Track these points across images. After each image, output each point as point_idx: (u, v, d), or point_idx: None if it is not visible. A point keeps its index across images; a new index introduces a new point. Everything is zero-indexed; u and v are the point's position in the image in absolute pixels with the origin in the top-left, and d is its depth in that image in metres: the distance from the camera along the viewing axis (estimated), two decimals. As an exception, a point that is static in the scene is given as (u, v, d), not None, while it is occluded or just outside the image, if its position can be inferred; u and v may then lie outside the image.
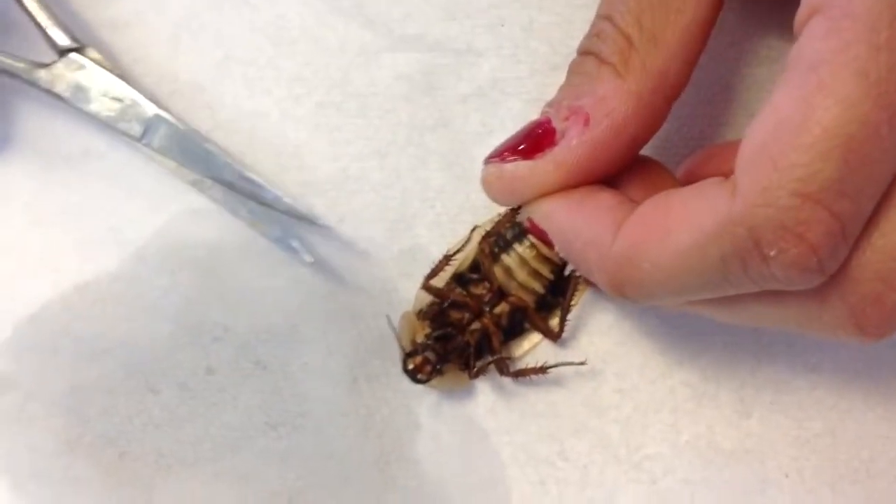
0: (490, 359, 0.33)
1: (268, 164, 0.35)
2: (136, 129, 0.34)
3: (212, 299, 0.35)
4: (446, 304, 0.33)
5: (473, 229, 0.34)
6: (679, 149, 0.34)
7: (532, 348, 0.34)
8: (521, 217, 0.30)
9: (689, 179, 0.27)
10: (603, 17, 0.28)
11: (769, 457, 0.33)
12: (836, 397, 0.33)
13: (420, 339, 0.33)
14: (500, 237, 0.32)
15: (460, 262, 0.34)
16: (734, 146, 0.24)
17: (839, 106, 0.22)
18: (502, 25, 0.34)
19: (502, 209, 0.32)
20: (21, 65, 0.34)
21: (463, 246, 0.34)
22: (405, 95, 0.35)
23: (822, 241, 0.22)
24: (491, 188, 0.29)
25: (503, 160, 0.28)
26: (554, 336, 0.33)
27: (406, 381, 0.34)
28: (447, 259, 0.33)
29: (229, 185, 0.34)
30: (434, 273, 0.33)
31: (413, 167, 0.35)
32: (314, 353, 0.35)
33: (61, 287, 0.35)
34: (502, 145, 0.29)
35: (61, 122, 0.36)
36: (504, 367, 0.33)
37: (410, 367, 0.33)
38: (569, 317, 0.33)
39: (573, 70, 0.29)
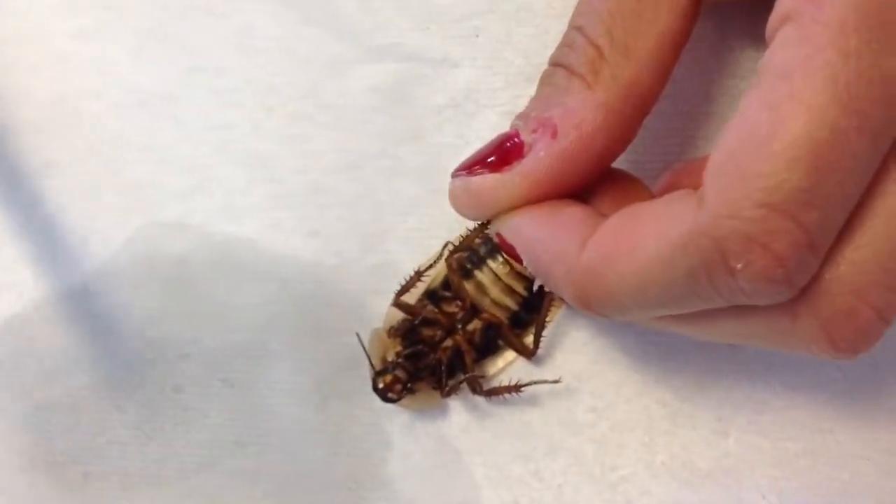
0: (462, 377, 0.32)
1: (238, 176, 0.35)
2: None
3: (178, 315, 0.35)
4: (417, 321, 0.32)
5: (446, 245, 0.33)
6: (657, 161, 0.33)
7: (506, 366, 0.33)
8: (490, 231, 0.30)
9: (666, 193, 0.27)
10: (574, 27, 0.27)
11: (746, 477, 0.32)
12: (815, 417, 0.32)
13: (391, 356, 0.32)
14: (474, 253, 0.32)
15: (433, 278, 0.33)
16: (703, 163, 0.24)
17: (808, 113, 0.21)
18: (478, 36, 0.34)
19: (472, 224, 0.31)
20: None
21: (435, 262, 0.33)
22: (378, 107, 0.34)
23: (789, 253, 0.22)
24: (458, 202, 0.29)
25: (471, 173, 0.28)
26: (528, 353, 0.33)
27: (377, 400, 0.33)
28: (419, 275, 0.32)
29: None
30: (405, 289, 0.32)
31: (386, 180, 0.34)
32: (283, 370, 0.34)
33: (24, 303, 0.35)
34: (470, 159, 0.28)
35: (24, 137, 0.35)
36: (477, 386, 0.32)
37: (381, 385, 0.32)
38: (544, 334, 0.32)
39: (543, 81, 0.28)
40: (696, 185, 0.24)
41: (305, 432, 0.34)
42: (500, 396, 0.32)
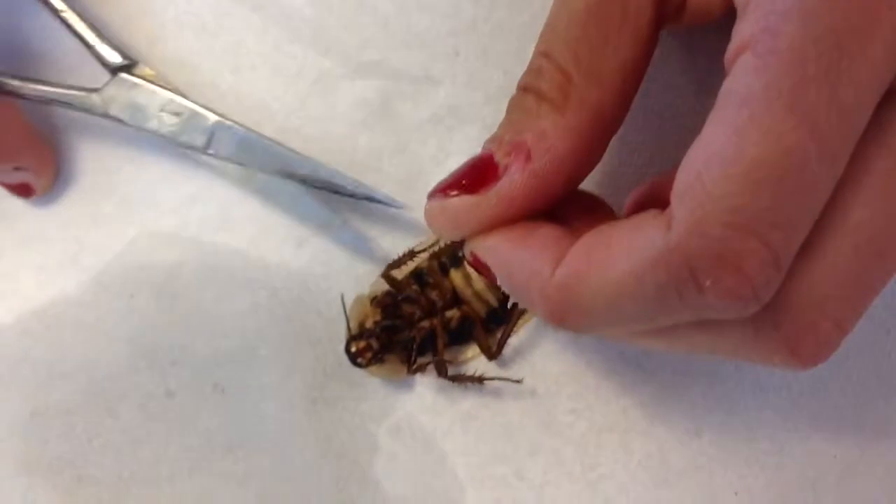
0: (431, 359, 0.34)
1: (229, 188, 0.36)
2: (199, 140, 0.34)
3: (170, 323, 0.36)
4: (401, 297, 0.34)
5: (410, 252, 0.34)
6: (628, 176, 0.34)
7: (474, 357, 0.34)
8: (465, 251, 0.31)
9: (635, 211, 0.27)
10: (541, 53, 0.28)
11: (718, 475, 0.34)
12: (784, 418, 0.34)
13: (369, 324, 0.34)
14: (455, 253, 0.33)
15: (423, 259, 0.34)
16: (672, 177, 0.25)
17: (769, 138, 0.22)
18: (458, 54, 0.35)
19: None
20: (74, 92, 0.34)
21: (430, 246, 0.34)
22: (363, 121, 0.35)
23: (756, 271, 0.23)
24: (435, 222, 0.29)
25: (446, 195, 0.28)
26: (491, 354, 0.34)
27: (365, 404, 0.35)
28: (412, 254, 0.34)
29: (302, 180, 0.34)
30: (396, 264, 0.34)
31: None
32: (273, 375, 0.35)
33: (20, 312, 0.36)
34: (445, 181, 0.29)
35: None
36: (443, 369, 0.34)
37: (353, 349, 0.33)
38: (509, 342, 0.34)
39: (513, 106, 0.29)
40: (663, 204, 0.25)
41: (294, 435, 0.35)
42: (463, 385, 0.34)
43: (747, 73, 0.23)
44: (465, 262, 0.33)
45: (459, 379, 0.34)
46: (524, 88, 0.28)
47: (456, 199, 0.28)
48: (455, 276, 0.33)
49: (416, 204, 0.35)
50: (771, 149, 0.22)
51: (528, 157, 0.27)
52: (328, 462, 0.35)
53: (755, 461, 0.34)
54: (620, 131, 0.29)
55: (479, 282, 0.33)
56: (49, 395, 0.36)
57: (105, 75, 0.34)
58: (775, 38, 0.22)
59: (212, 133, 0.34)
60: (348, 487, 0.35)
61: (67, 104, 0.34)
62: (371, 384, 0.34)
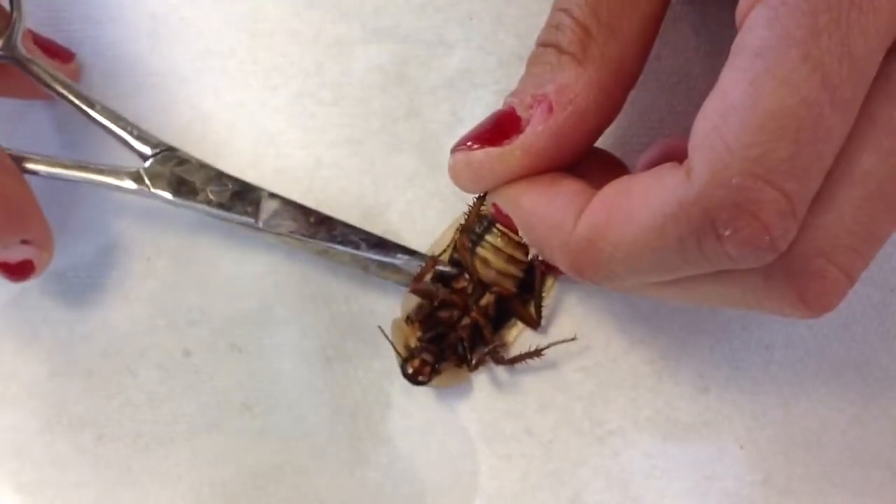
0: (486, 349, 0.34)
1: (246, 152, 0.36)
2: (250, 212, 0.34)
3: (188, 284, 0.36)
4: (435, 305, 0.34)
5: (458, 230, 0.35)
6: (640, 136, 0.35)
7: (520, 334, 0.35)
8: (488, 202, 0.31)
9: (647, 170, 0.28)
10: (560, 9, 0.28)
11: (725, 429, 0.34)
12: (789, 373, 0.34)
13: (413, 343, 0.34)
14: (472, 232, 0.34)
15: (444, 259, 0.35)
16: (686, 137, 0.25)
17: (785, 88, 0.22)
18: (471, 19, 0.36)
19: (468, 197, 0.33)
20: (122, 180, 0.34)
21: (448, 247, 0.35)
22: (378, 85, 0.36)
23: (774, 220, 0.23)
24: (459, 176, 0.30)
25: (470, 149, 0.29)
26: (534, 324, 0.34)
27: (378, 362, 0.35)
28: (434, 261, 0.34)
29: (354, 246, 0.34)
30: (422, 275, 0.34)
31: (386, 155, 0.36)
32: (288, 335, 0.36)
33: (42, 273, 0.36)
34: (468, 134, 0.29)
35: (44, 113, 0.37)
36: (498, 356, 0.34)
37: (410, 371, 0.34)
38: (543, 304, 0.34)
39: (533, 61, 0.29)
40: (677, 159, 0.26)
41: (310, 393, 0.36)
42: (524, 363, 0.34)
43: (760, 25, 0.23)
44: (478, 248, 0.33)
45: (518, 359, 0.34)
46: (544, 44, 0.29)
47: (479, 151, 0.29)
48: (475, 262, 0.34)
49: (428, 167, 0.36)
50: (787, 99, 0.22)
51: (550, 109, 0.28)
52: (342, 419, 0.35)
53: (761, 415, 0.34)
54: (631, 93, 0.29)
55: (497, 261, 0.33)
56: (69, 355, 0.36)
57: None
58: None
59: (260, 206, 0.34)
60: (362, 443, 0.35)
61: (115, 188, 0.34)
62: (385, 343, 0.35)
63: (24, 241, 0.33)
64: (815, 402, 0.34)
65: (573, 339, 0.34)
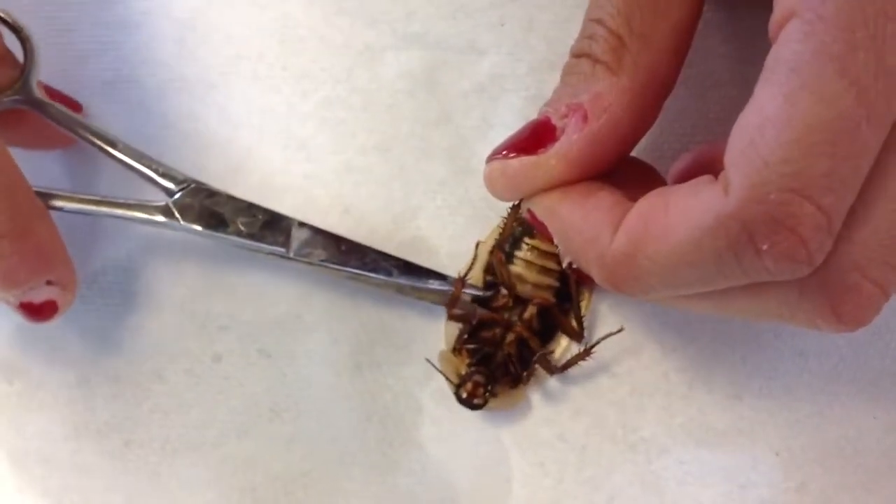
0: (535, 358, 0.34)
1: (275, 157, 0.36)
2: (280, 241, 0.34)
3: (217, 290, 0.36)
4: (476, 325, 0.34)
5: (478, 245, 0.35)
6: (672, 143, 0.35)
7: (566, 349, 0.35)
8: (523, 208, 0.31)
9: (680, 179, 0.28)
10: (593, 20, 0.29)
11: (760, 437, 0.34)
12: (824, 381, 0.34)
13: (463, 370, 0.34)
14: (503, 249, 0.34)
15: (474, 279, 0.35)
16: (719, 145, 0.25)
17: (822, 104, 0.23)
18: (502, 24, 0.36)
19: (500, 223, 0.34)
20: (152, 214, 0.34)
21: (472, 264, 0.35)
22: (408, 91, 0.36)
23: (811, 235, 0.23)
24: (495, 184, 0.30)
25: (506, 157, 0.29)
26: (577, 336, 0.34)
27: (409, 368, 0.35)
28: (462, 281, 0.34)
29: (386, 272, 0.34)
30: (454, 300, 0.34)
31: (415, 160, 0.36)
32: (317, 340, 0.36)
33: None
34: (504, 143, 0.30)
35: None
36: (549, 365, 0.34)
37: (464, 395, 0.34)
38: (584, 315, 0.34)
39: (567, 71, 0.29)
40: (709, 170, 0.26)
41: (340, 399, 0.36)
42: (576, 365, 0.34)
43: (795, 39, 0.23)
44: (510, 266, 0.33)
45: (570, 364, 0.34)
46: (578, 54, 0.29)
47: (515, 160, 0.29)
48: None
49: (458, 173, 0.36)
50: (823, 114, 0.23)
51: (585, 118, 0.28)
52: (373, 425, 0.35)
53: (795, 423, 0.34)
54: (664, 101, 0.29)
55: (531, 274, 0.33)
56: (97, 361, 0.36)
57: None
58: (822, 4, 0.23)
59: (290, 235, 0.34)
60: (393, 450, 0.35)
61: (145, 221, 0.34)
62: (415, 349, 0.35)
63: (49, 283, 0.32)
64: (851, 410, 0.34)
65: (621, 331, 0.34)
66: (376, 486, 0.35)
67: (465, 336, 0.34)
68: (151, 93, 0.37)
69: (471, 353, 0.34)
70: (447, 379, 0.34)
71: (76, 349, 0.37)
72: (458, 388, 0.34)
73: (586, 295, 0.34)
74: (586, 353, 0.34)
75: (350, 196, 0.36)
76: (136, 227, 0.36)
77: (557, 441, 0.35)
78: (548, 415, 0.35)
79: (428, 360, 0.34)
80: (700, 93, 0.35)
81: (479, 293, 0.34)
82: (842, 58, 0.23)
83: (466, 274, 0.35)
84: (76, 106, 0.36)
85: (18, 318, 0.33)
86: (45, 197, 0.33)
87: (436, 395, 0.35)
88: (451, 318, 0.34)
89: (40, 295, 0.33)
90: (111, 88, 0.37)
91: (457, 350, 0.34)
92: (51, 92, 0.36)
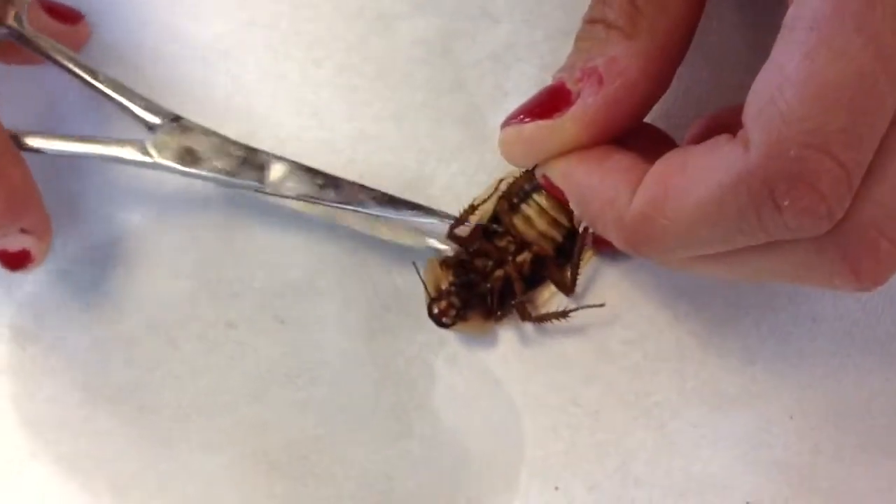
0: (513, 302, 0.34)
1: (288, 124, 0.36)
2: (255, 177, 0.34)
3: (230, 256, 0.36)
4: (471, 250, 0.34)
5: (500, 181, 0.35)
6: (686, 110, 0.35)
7: (552, 297, 0.35)
8: (538, 174, 0.31)
9: (695, 143, 0.28)
10: None
11: (773, 399, 0.34)
12: (837, 345, 0.34)
13: (444, 285, 0.34)
14: (520, 189, 0.34)
15: (483, 213, 0.35)
16: (733, 110, 0.25)
17: (841, 60, 0.23)
18: (516, -8, 0.36)
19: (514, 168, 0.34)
20: (127, 151, 0.34)
21: (489, 196, 0.35)
22: (422, 59, 0.36)
23: (831, 190, 0.23)
24: (511, 149, 0.30)
25: (521, 122, 0.29)
26: (568, 290, 0.34)
27: (422, 334, 0.35)
28: (472, 208, 0.34)
29: (361, 206, 0.34)
30: (459, 222, 0.34)
31: (429, 128, 0.36)
32: (331, 306, 0.36)
33: (85, 246, 0.36)
34: (519, 109, 0.30)
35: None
36: (526, 312, 0.34)
37: (436, 311, 0.34)
38: (579, 272, 0.34)
39: (582, 37, 0.30)
40: (725, 132, 0.26)
41: (354, 365, 0.36)
42: (549, 322, 0.34)
43: None
44: (523, 205, 0.33)
45: (544, 318, 0.34)
46: (591, 20, 0.29)
47: (531, 124, 0.29)
48: (517, 220, 0.34)
49: (472, 141, 0.36)
50: (842, 70, 0.23)
51: (600, 81, 0.28)
52: (386, 390, 0.35)
53: (808, 386, 0.34)
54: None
55: (541, 221, 0.34)
56: (111, 326, 0.36)
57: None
58: None
59: (266, 171, 0.34)
60: (406, 415, 0.35)
61: (119, 159, 0.34)
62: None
63: (22, 231, 0.32)
64: (865, 373, 0.34)
65: (601, 306, 0.34)
66: (389, 450, 0.35)
67: (459, 258, 0.34)
68: (165, 60, 0.37)
69: (456, 272, 0.34)
70: (425, 288, 0.34)
71: (89, 314, 0.36)
72: (432, 302, 0.34)
73: (589, 254, 0.34)
74: (563, 314, 0.34)
75: (363, 163, 0.36)
76: (148, 192, 0.36)
77: (570, 405, 0.35)
78: (560, 380, 0.35)
79: (414, 265, 0.34)
80: (714, 60, 0.35)
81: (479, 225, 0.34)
82: (859, 14, 0.23)
83: (480, 204, 0.34)
84: (75, 17, 0.36)
85: (31, 285, 0.33)
86: (15, 138, 0.32)
87: (449, 361, 0.35)
88: (451, 238, 0.34)
89: (13, 244, 0.32)
90: (118, 56, 0.37)
91: (445, 264, 0.34)
92: (45, 4, 0.35)
